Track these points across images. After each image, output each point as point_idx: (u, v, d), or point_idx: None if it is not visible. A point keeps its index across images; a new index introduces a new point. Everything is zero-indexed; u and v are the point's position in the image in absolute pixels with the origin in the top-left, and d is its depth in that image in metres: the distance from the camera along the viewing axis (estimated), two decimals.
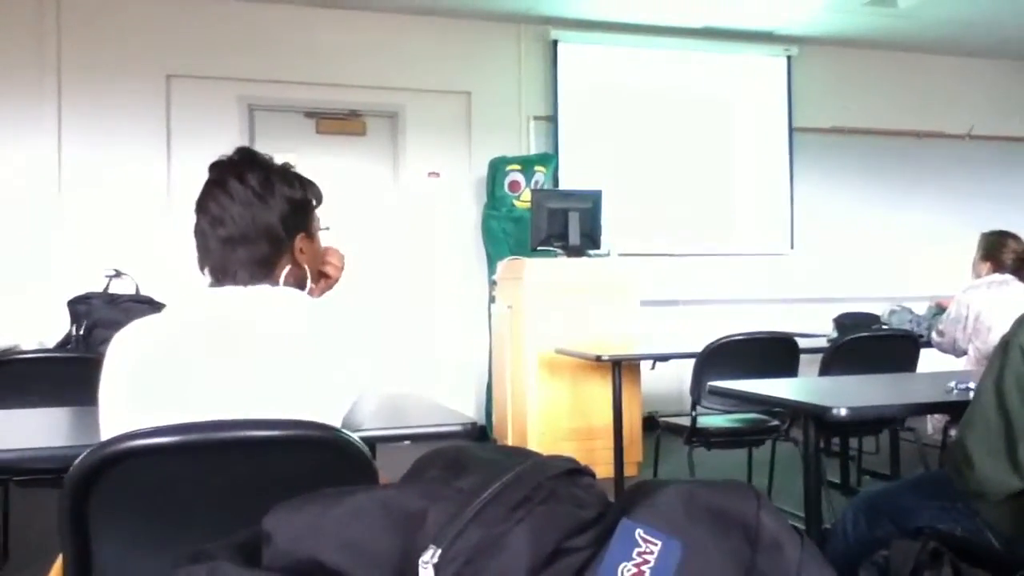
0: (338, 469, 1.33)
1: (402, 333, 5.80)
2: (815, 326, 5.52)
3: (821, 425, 3.80)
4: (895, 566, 2.25)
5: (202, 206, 1.48)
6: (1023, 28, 6.34)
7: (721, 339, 3.59)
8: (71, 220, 5.30)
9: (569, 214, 4.86)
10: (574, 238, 4.84)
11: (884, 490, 2.38)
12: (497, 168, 5.77)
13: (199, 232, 1.48)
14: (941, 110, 6.88)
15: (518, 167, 5.72)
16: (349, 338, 1.47)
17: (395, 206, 5.94)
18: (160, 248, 5.00)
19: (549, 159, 5.86)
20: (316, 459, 1.32)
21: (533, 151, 6.10)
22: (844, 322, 4.41)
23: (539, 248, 4.95)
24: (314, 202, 1.60)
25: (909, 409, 2.16)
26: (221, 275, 1.47)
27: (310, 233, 1.58)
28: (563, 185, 5.94)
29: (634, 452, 4.59)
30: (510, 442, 4.83)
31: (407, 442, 1.88)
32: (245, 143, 4.17)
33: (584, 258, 4.87)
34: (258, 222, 1.46)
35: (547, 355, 4.54)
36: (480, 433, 1.85)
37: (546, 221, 4.89)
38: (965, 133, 6.89)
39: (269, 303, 1.44)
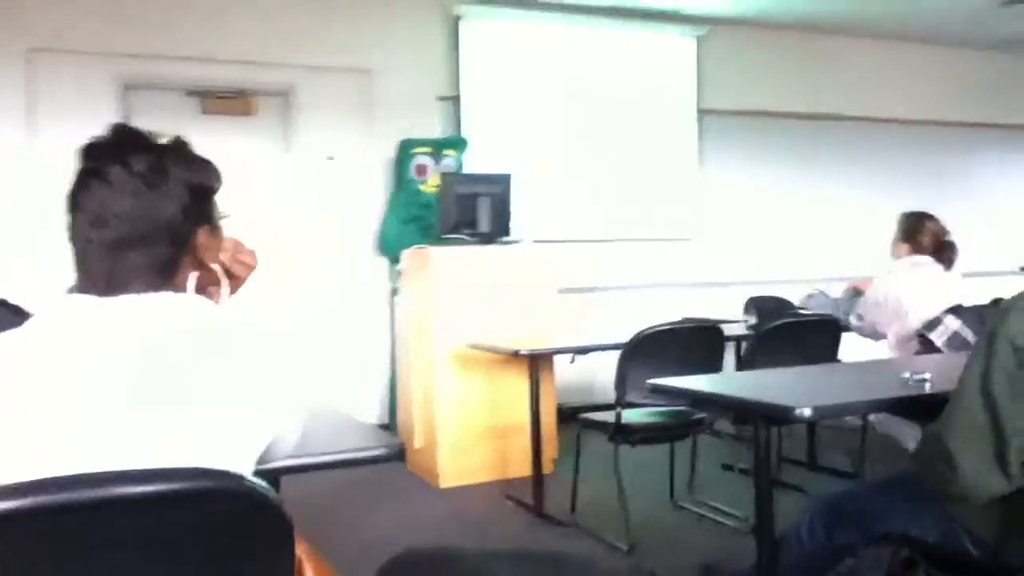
0: (244, 524, 1.05)
1: (299, 330, 5.39)
2: (726, 310, 5.44)
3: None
4: (865, 574, 2.10)
5: (76, 202, 1.15)
6: (930, 11, 6.42)
7: (646, 330, 3.40)
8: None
9: (479, 199, 4.58)
10: (484, 224, 4.57)
11: (846, 493, 2.21)
12: (405, 151, 5.47)
13: (76, 236, 1.16)
14: (851, 92, 6.92)
15: (427, 150, 5.43)
16: (270, 354, 1.18)
17: (289, 192, 5.53)
18: (24, 247, 4.48)
19: (460, 142, 5.57)
20: (216, 513, 1.03)
21: (439, 133, 5.79)
22: (760, 307, 4.30)
23: (448, 236, 4.66)
24: (216, 186, 1.28)
25: (876, 406, 1.99)
26: (108, 288, 1.14)
27: (214, 225, 1.27)
28: (469, 169, 5.66)
29: (550, 449, 4.37)
30: (416, 445, 4.53)
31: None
32: None
33: (495, 246, 4.61)
34: (154, 217, 1.16)
35: (458, 350, 4.27)
36: (402, 455, 1.55)
37: (455, 207, 4.60)
38: (875, 116, 6.96)
39: (169, 314, 1.14)
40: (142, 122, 1.27)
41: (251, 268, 1.41)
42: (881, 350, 3.94)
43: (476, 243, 4.57)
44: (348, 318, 5.56)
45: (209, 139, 4.96)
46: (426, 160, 5.45)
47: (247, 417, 1.13)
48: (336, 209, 5.59)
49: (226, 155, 5.09)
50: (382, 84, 5.73)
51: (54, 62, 5.00)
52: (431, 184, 5.39)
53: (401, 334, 4.85)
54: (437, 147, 5.49)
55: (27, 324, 1.11)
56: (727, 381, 2.55)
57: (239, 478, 1.03)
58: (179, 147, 1.23)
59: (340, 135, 5.57)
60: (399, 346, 4.90)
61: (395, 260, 5.24)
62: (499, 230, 4.64)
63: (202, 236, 1.23)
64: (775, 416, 2.03)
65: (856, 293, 4.17)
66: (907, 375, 2.24)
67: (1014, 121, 7.56)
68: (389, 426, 5.23)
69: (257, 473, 1.43)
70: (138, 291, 1.14)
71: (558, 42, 6.15)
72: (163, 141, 1.21)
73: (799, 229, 6.68)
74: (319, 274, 5.51)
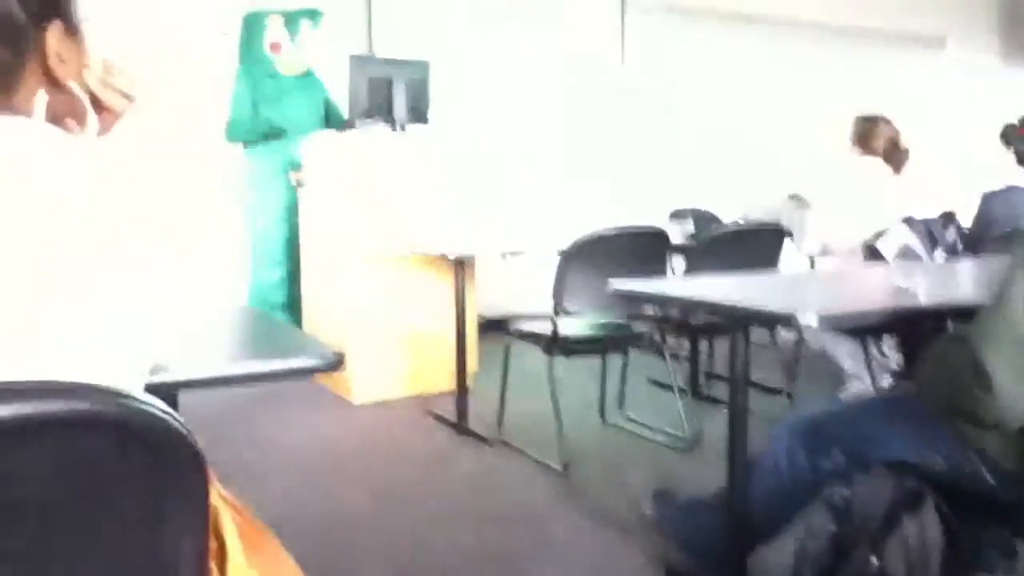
0: (138, 462, 0.68)
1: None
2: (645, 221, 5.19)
3: (687, 328, 3.50)
4: (860, 507, 1.87)
5: None
6: None
7: (587, 235, 3.09)
8: None
9: (394, 85, 4.11)
10: (400, 112, 4.12)
11: (830, 414, 1.97)
12: (252, 25, 4.69)
13: None
14: None
15: (279, 20, 4.65)
16: (145, 217, 0.79)
17: (173, 71, 4.86)
18: None
19: (316, 14, 4.81)
20: (95, 448, 0.65)
21: (347, 12, 5.17)
22: (696, 215, 4.07)
23: (357, 124, 4.17)
24: None
25: (883, 316, 1.74)
26: None
27: (72, 25, 0.86)
28: (378, 53, 5.12)
29: (471, 361, 4.05)
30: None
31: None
32: None
33: (413, 135, 4.17)
34: None
35: (370, 251, 3.86)
36: (341, 364, 1.17)
37: (366, 92, 4.12)
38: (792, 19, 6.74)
39: (7, 151, 0.72)
40: None
41: (131, 100, 1.00)
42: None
43: (391, 129, 4.12)
44: (200, 210, 4.95)
45: (82, 8, 4.26)
46: (279, 34, 4.68)
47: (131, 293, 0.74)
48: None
49: (102, 26, 4.38)
50: None
51: None
52: (290, 63, 4.69)
53: (306, 232, 4.39)
54: (291, 19, 4.72)
55: None
56: (694, 285, 2.28)
57: (127, 396, 0.65)
58: None
59: (232, 8, 4.89)
60: (304, 247, 4.43)
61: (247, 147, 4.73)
62: (416, 118, 4.20)
63: (53, 36, 0.82)
64: (773, 322, 1.76)
65: (797, 202, 3.99)
66: (902, 284, 2.01)
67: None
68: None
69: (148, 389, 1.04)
70: None
71: None
72: None
73: (727, 139, 6.44)
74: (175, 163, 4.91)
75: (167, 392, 1.37)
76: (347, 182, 3.93)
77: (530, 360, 3.22)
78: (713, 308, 1.86)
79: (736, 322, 1.87)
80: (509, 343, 3.33)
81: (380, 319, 3.96)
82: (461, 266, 3.41)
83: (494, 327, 4.36)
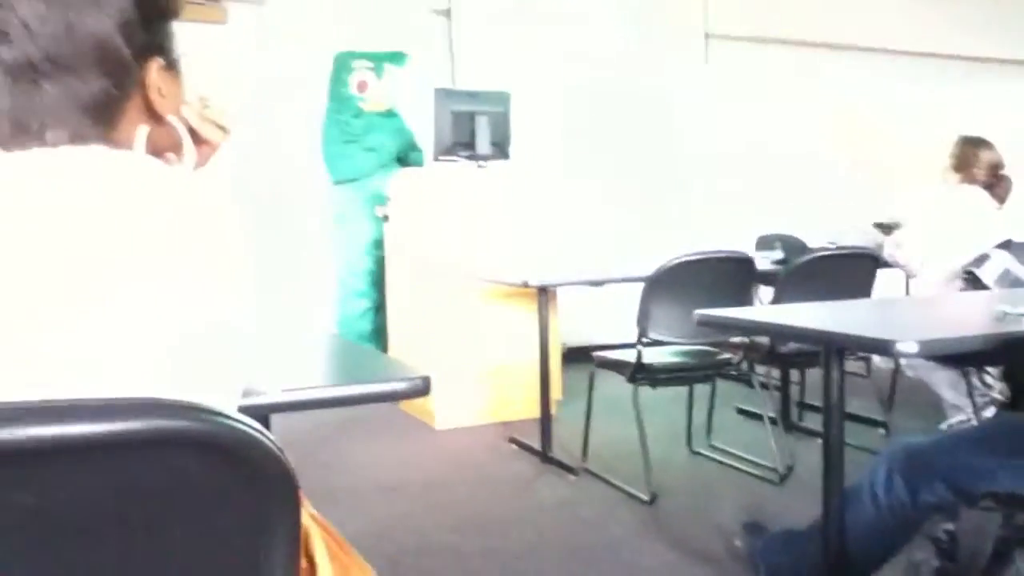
0: (230, 481, 0.68)
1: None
2: (733, 246, 5.11)
3: (777, 357, 3.41)
4: (967, 543, 1.78)
5: None
6: None
7: (674, 260, 3.05)
8: None
9: (477, 118, 4.17)
10: (483, 146, 4.17)
11: (931, 443, 1.89)
12: (342, 64, 4.91)
13: None
14: (861, 20, 6.51)
15: (367, 64, 4.91)
16: (245, 248, 0.81)
17: (263, 110, 5.04)
18: None
19: (400, 57, 5.05)
20: (188, 466, 0.66)
21: (432, 48, 5.32)
22: (785, 241, 3.97)
23: (441, 159, 4.25)
24: (173, 4, 0.89)
25: (990, 342, 1.66)
26: (15, 135, 0.78)
27: (171, 61, 0.89)
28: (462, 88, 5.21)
29: (555, 389, 4.04)
30: None
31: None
32: None
33: (495, 169, 4.22)
34: (80, 32, 0.78)
35: (455, 281, 3.90)
36: (429, 389, 1.18)
37: (450, 127, 4.18)
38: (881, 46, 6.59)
39: (107, 179, 0.76)
40: None
41: (226, 133, 1.03)
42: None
43: (474, 165, 4.18)
44: (295, 238, 5.11)
45: (178, 49, 4.46)
46: (367, 75, 4.93)
47: (228, 318, 0.77)
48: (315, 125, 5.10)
49: (197, 67, 4.60)
50: None
51: None
52: (376, 102, 4.90)
53: (392, 264, 4.47)
54: (378, 61, 4.95)
55: None
56: (785, 313, 2.22)
57: (221, 414, 0.66)
58: None
59: (320, 50, 5.06)
60: (390, 277, 4.51)
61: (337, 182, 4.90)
62: (498, 152, 4.25)
63: (154, 73, 0.85)
64: (870, 350, 1.70)
65: (885, 229, 3.86)
66: (1007, 310, 1.92)
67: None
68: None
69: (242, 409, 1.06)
70: (58, 141, 0.77)
71: None
72: None
73: (812, 164, 6.31)
74: (284, 195, 5.07)
75: (260, 414, 1.41)
76: (431, 215, 3.99)
77: (615, 387, 3.18)
78: (805, 335, 1.81)
79: (830, 350, 1.81)
80: (593, 371, 3.31)
81: (464, 347, 3.99)
82: (544, 295, 3.41)
83: (578, 355, 4.35)
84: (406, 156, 5.05)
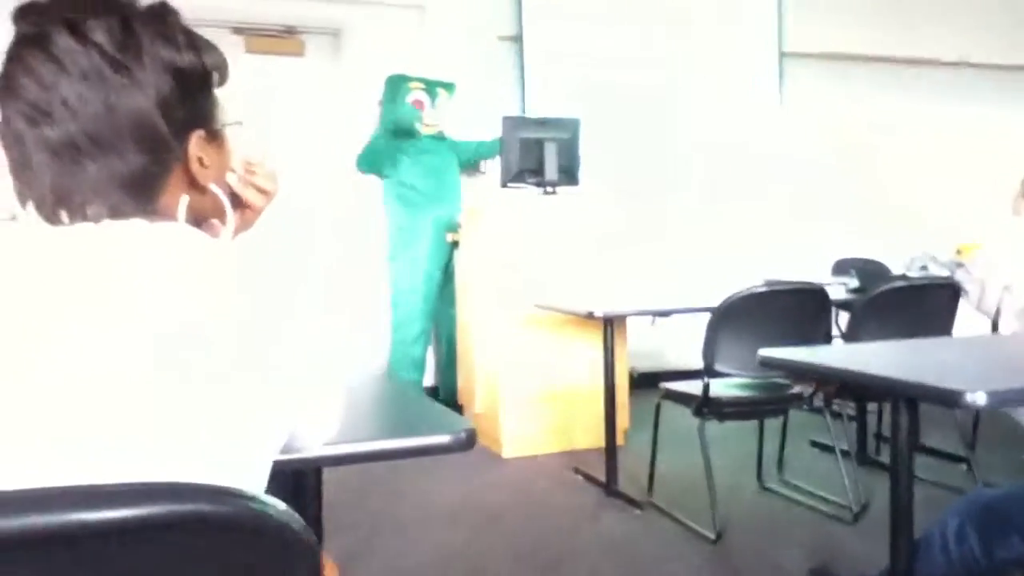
0: (256, 562, 0.70)
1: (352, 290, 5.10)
2: (810, 273, 4.99)
3: (851, 390, 3.30)
4: None
5: (8, 86, 0.80)
6: None
7: (740, 293, 2.99)
8: None
9: (545, 145, 4.18)
10: (551, 173, 4.18)
11: (1008, 494, 1.80)
12: (397, 86, 4.95)
13: (8, 135, 0.82)
14: (938, 36, 6.31)
15: (421, 86, 4.96)
16: (291, 312, 0.84)
17: (338, 138, 5.17)
18: None
19: (450, 86, 5.09)
20: (211, 548, 0.68)
21: (497, 75, 5.37)
22: (860, 269, 3.85)
23: (509, 185, 4.28)
24: (216, 77, 0.92)
25: None
26: (57, 210, 0.81)
27: (213, 131, 0.92)
28: (530, 115, 5.24)
29: (622, 418, 4.01)
30: (477, 410, 4.21)
31: None
32: None
33: (563, 196, 4.22)
34: (119, 111, 0.81)
35: (523, 309, 3.91)
36: (473, 442, 1.18)
37: (518, 153, 4.21)
38: (961, 60, 6.36)
39: (142, 250, 0.79)
40: None
41: (269, 196, 1.06)
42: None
43: (541, 192, 4.19)
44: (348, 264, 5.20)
45: (255, 81, 4.60)
46: (421, 96, 4.97)
47: (260, 401, 0.79)
48: None
49: (273, 97, 4.73)
50: (435, 21, 5.31)
51: None
52: (430, 123, 4.95)
53: (461, 291, 4.51)
54: (430, 85, 5.00)
55: None
56: (852, 355, 2.15)
57: (249, 498, 0.67)
58: (160, 13, 0.86)
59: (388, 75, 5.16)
60: (459, 303, 4.56)
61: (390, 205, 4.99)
62: (567, 178, 4.25)
63: (195, 144, 0.87)
64: (938, 401, 1.63)
65: (958, 261, 3.70)
66: None
67: None
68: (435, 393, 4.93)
69: (293, 465, 1.08)
70: (97, 217, 0.80)
71: None
72: (139, 4, 0.85)
73: (891, 186, 6.13)
74: (368, 226, 5.18)
75: (310, 467, 1.43)
76: (497, 242, 4.01)
77: (684, 416, 3.13)
78: (870, 383, 1.74)
79: (898, 399, 1.75)
80: (661, 400, 3.26)
81: (532, 374, 3.99)
82: (610, 325, 3.38)
83: (647, 381, 4.30)
84: (477, 156, 5.14)
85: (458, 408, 4.53)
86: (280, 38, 5.17)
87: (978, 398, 1.51)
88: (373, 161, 4.97)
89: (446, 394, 4.93)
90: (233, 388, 0.76)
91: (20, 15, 0.81)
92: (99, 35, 0.80)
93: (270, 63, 5.12)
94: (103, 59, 0.80)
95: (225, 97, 0.97)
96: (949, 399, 1.58)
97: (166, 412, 0.72)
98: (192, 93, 0.87)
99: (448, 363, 4.91)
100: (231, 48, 5.05)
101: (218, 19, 4.99)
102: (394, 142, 4.93)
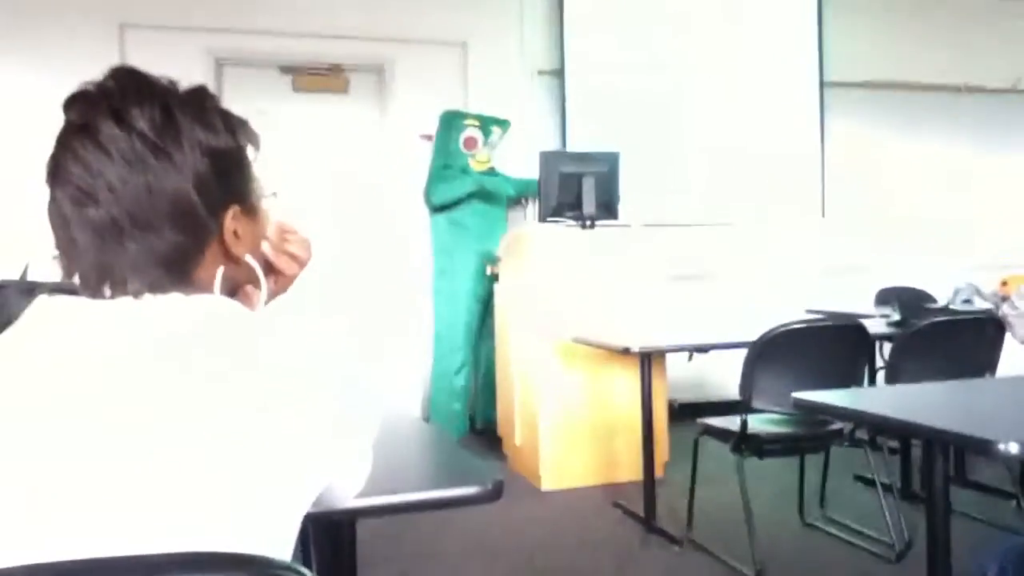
0: None
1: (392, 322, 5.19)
2: (853, 302, 4.95)
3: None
4: None
5: (57, 171, 0.87)
6: None
7: (777, 328, 2.99)
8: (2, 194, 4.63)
9: (583, 179, 4.23)
10: (589, 207, 4.22)
11: None
12: (451, 122, 5.07)
13: (56, 216, 0.88)
14: (985, 62, 6.24)
15: (475, 123, 5.05)
16: (331, 376, 0.89)
17: (382, 173, 5.28)
18: None
19: (504, 123, 5.19)
20: None
21: (537, 109, 5.46)
22: (901, 300, 3.81)
23: (548, 220, 4.33)
24: (250, 152, 0.97)
25: None
26: (100, 286, 0.87)
27: (248, 205, 0.97)
28: (571, 149, 5.29)
29: (661, 451, 4.01)
30: (518, 443, 4.24)
31: None
32: None
33: (601, 229, 4.25)
34: (159, 193, 0.86)
35: (561, 343, 3.94)
36: (500, 494, 1.22)
37: (556, 188, 4.26)
38: (1011, 86, 6.27)
39: (184, 325, 0.84)
40: (233, 98, 0.97)
41: (302, 263, 1.11)
42: None
43: (579, 227, 4.23)
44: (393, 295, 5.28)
45: (302, 117, 4.74)
46: (475, 133, 5.07)
47: (289, 465, 0.83)
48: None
49: (319, 133, 4.86)
50: (477, 58, 5.42)
51: (146, 38, 4.86)
52: (480, 160, 5.04)
53: (500, 323, 4.56)
54: (484, 122, 5.10)
55: (2, 336, 0.84)
56: (888, 398, 2.15)
57: (274, 566, 0.71)
58: (198, 98, 0.92)
59: (435, 112, 5.26)
60: (498, 337, 4.60)
61: (439, 242, 5.08)
62: (605, 213, 4.29)
63: (230, 219, 0.93)
64: (971, 449, 1.63)
65: (1003, 294, 3.64)
66: None
67: None
68: (428, 419, 4.96)
69: (328, 517, 1.12)
70: (138, 293, 0.85)
71: (669, 11, 5.70)
72: (179, 90, 0.91)
73: (936, 214, 6.07)
74: (415, 260, 5.27)
75: (344, 519, 1.48)
76: (536, 275, 4.05)
77: (723, 449, 3.11)
78: (904, 429, 1.74)
79: (933, 445, 1.75)
80: (698, 437, 3.26)
81: (571, 406, 4.02)
82: (647, 359, 3.40)
83: (689, 412, 4.30)
84: (517, 196, 5.21)
85: (497, 440, 4.56)
86: (326, 76, 5.31)
87: (1011, 448, 1.51)
88: (445, 192, 5.03)
89: (483, 425, 4.97)
90: (265, 443, 0.80)
91: (69, 104, 0.87)
92: (141, 122, 0.85)
93: (316, 100, 5.26)
94: (144, 145, 0.85)
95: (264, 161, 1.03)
96: (982, 448, 1.58)
97: (193, 467, 0.76)
98: (228, 172, 0.93)
99: (486, 394, 4.96)
100: (279, 86, 5.21)
101: (266, 59, 5.16)
102: (445, 177, 5.01)
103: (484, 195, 5.03)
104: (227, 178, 0.92)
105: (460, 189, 4.99)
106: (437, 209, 5.09)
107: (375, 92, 5.39)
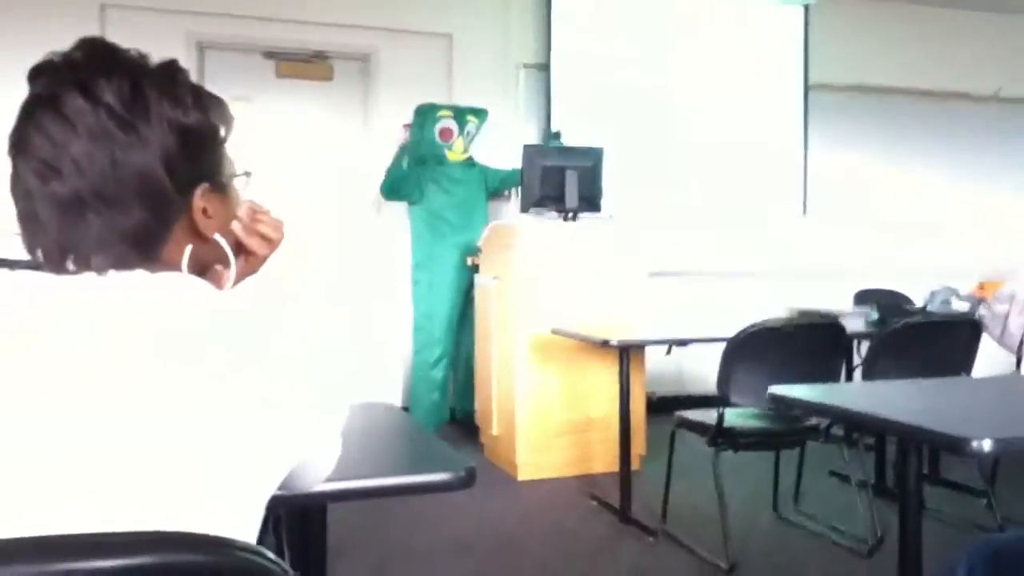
0: None
1: (371, 319, 5.17)
2: (831, 303, 4.99)
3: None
4: None
5: (20, 143, 0.85)
6: None
7: (755, 325, 3.00)
8: None
9: (567, 173, 4.23)
10: (572, 200, 4.22)
11: (1020, 538, 1.80)
12: (426, 115, 5.00)
13: (18, 189, 0.86)
14: (968, 70, 6.30)
15: (449, 114, 5.00)
16: (294, 357, 0.87)
17: (365, 162, 5.26)
18: None
19: (481, 113, 5.16)
20: None
21: (522, 103, 5.45)
22: (879, 301, 3.84)
23: (531, 211, 4.33)
24: (222, 130, 0.96)
25: None
26: (63, 261, 0.85)
27: (218, 183, 0.95)
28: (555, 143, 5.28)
29: (638, 444, 4.03)
30: (495, 433, 4.24)
31: None
32: None
33: (583, 222, 4.26)
34: (125, 168, 0.84)
35: (540, 334, 3.94)
36: (472, 481, 1.22)
37: (539, 180, 4.26)
38: (993, 94, 6.33)
39: (141, 302, 0.83)
40: (214, 84, 0.95)
41: (273, 243, 1.09)
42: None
43: (561, 219, 4.23)
44: (372, 287, 5.25)
45: (285, 105, 4.70)
46: (450, 124, 5.01)
47: (253, 447, 0.82)
48: None
49: (302, 122, 4.83)
50: (462, 49, 5.40)
51: (126, 19, 4.81)
52: (457, 151, 5.00)
53: (480, 314, 4.55)
54: (459, 113, 5.05)
55: None
56: (864, 394, 2.16)
57: (238, 548, 0.70)
58: (168, 73, 0.90)
59: (419, 103, 5.24)
60: (478, 328, 4.60)
61: (416, 234, 5.03)
62: (587, 206, 4.29)
63: (199, 197, 0.91)
64: (944, 447, 1.64)
65: (979, 296, 3.67)
66: None
67: None
68: (408, 408, 4.96)
69: (298, 501, 1.10)
70: (101, 268, 0.84)
71: (655, 8, 5.71)
72: (149, 64, 0.90)
73: (911, 215, 6.13)
74: (395, 251, 5.25)
75: (314, 503, 1.47)
76: (516, 267, 4.05)
77: (700, 443, 3.13)
78: (878, 425, 1.76)
79: (906, 443, 1.76)
80: (675, 430, 3.27)
81: (548, 398, 4.02)
82: (626, 353, 3.40)
83: (667, 405, 4.32)
84: (503, 184, 5.18)
85: (475, 430, 4.56)
86: (310, 63, 5.28)
87: (984, 445, 1.53)
88: (397, 188, 4.99)
89: (463, 416, 4.97)
90: (231, 423, 0.79)
91: (34, 75, 0.86)
92: (108, 95, 0.83)
93: (300, 87, 5.22)
94: (111, 119, 0.83)
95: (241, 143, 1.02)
96: (955, 446, 1.59)
97: (154, 452, 0.75)
98: (198, 149, 0.91)
99: (466, 385, 4.95)
100: (262, 72, 5.17)
101: (250, 44, 5.11)
102: (421, 170, 4.97)
103: (459, 189, 4.99)
104: (197, 155, 0.90)
105: (396, 171, 4.96)
106: (388, 197, 5.05)
107: (359, 81, 5.36)
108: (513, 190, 5.21)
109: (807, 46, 5.94)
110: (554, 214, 4.26)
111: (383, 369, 5.23)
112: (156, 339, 0.79)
